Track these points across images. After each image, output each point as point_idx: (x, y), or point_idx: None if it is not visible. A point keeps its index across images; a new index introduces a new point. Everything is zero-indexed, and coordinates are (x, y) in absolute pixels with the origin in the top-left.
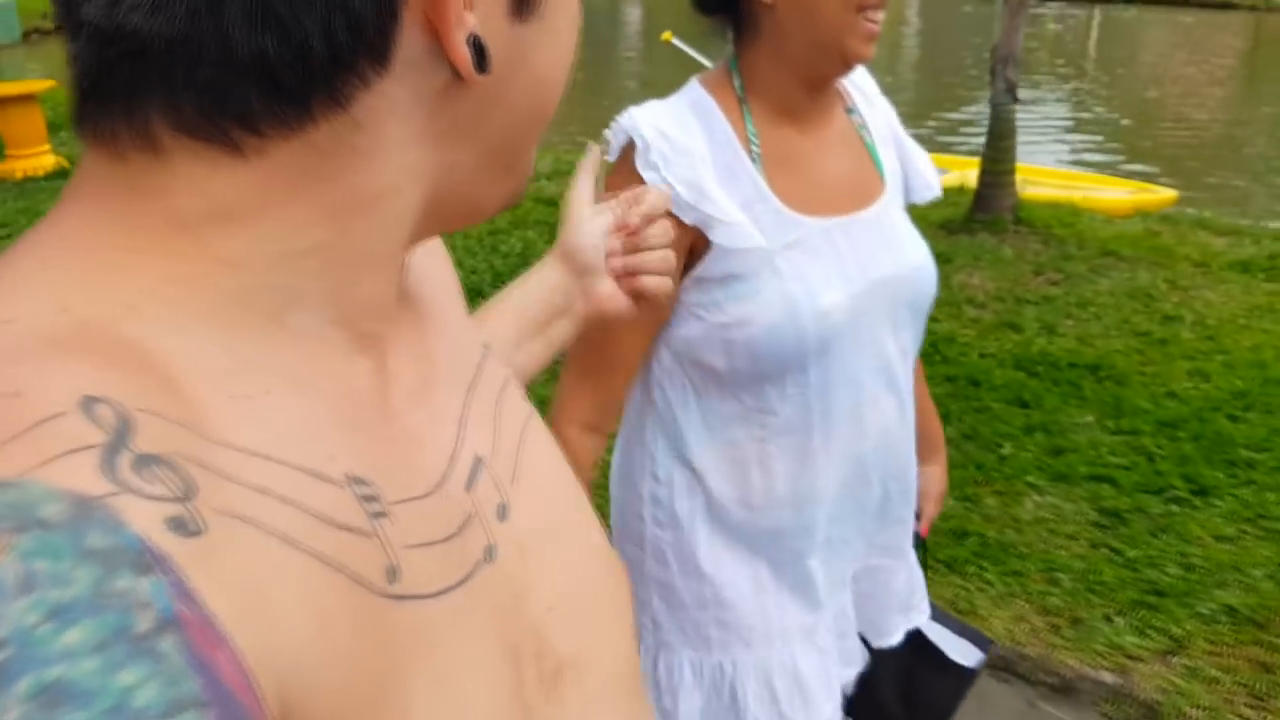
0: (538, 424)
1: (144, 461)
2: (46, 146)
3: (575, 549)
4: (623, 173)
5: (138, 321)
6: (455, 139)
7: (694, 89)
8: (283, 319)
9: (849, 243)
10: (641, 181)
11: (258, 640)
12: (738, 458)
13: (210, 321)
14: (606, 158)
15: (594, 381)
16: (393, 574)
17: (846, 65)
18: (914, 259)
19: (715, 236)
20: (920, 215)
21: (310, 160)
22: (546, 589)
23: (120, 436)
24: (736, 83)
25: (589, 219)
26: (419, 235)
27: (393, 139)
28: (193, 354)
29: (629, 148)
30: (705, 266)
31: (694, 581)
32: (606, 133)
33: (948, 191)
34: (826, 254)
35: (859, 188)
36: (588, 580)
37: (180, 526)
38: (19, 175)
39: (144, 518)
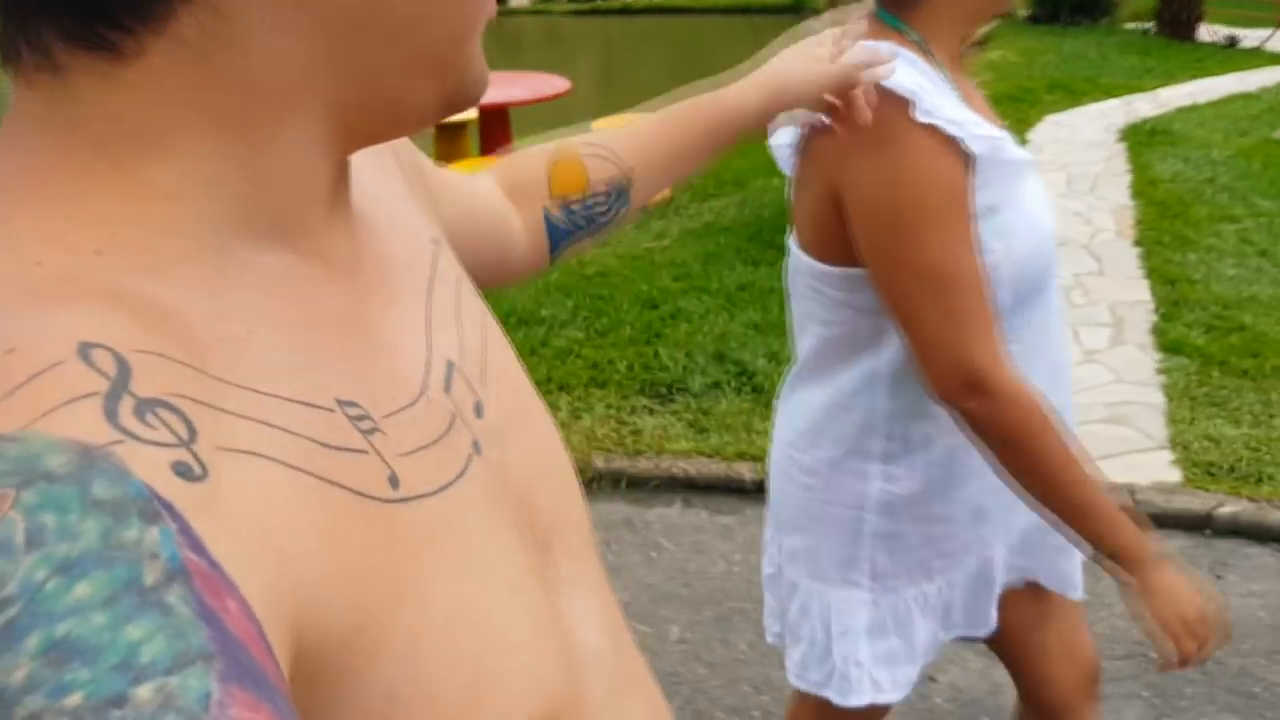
0: (491, 317)
1: (145, 406)
2: None
3: (539, 431)
4: (895, 123)
5: (111, 268)
6: (340, 35)
7: (883, 47)
8: (237, 254)
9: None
10: (924, 133)
11: (268, 581)
12: None
13: (178, 262)
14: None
15: (985, 313)
16: (394, 481)
17: (1010, 4)
18: None
19: (1006, 154)
20: None
21: (188, 63)
22: (525, 468)
23: (120, 381)
24: (915, 38)
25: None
26: (345, 146)
27: (261, 30)
28: (174, 297)
29: (892, 103)
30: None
31: (924, 525)
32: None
33: None
34: (1029, 182)
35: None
36: (552, 457)
37: (185, 472)
38: None
39: (148, 464)
